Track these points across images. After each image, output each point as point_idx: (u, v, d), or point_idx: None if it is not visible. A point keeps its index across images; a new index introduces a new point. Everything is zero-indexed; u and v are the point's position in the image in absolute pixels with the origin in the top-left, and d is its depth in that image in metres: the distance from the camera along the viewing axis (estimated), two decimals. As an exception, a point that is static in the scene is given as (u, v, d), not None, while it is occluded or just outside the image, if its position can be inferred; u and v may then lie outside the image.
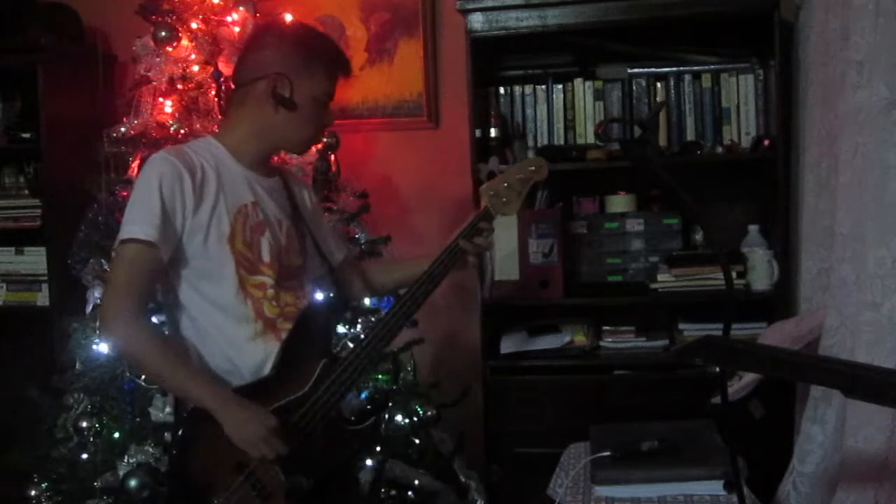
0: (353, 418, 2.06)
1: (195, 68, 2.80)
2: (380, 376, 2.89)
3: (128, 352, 1.94)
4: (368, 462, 2.75)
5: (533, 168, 2.26)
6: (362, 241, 3.03)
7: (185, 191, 1.89)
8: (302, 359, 1.98)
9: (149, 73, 2.79)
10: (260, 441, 1.86)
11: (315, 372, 1.96)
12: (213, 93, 2.79)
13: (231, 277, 1.94)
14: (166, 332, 2.02)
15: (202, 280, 1.94)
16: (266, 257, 1.99)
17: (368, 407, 2.11)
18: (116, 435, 2.64)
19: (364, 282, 2.32)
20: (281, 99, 1.98)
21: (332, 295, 2.19)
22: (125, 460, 2.57)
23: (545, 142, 3.24)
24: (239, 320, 1.95)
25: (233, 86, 2.09)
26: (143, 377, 2.59)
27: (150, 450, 2.57)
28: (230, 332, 1.95)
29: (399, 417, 2.91)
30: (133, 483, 2.46)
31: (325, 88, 2.05)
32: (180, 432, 1.96)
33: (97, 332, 2.26)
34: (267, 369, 1.96)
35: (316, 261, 2.16)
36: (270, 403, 1.91)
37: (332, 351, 2.03)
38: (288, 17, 3.06)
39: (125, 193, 2.65)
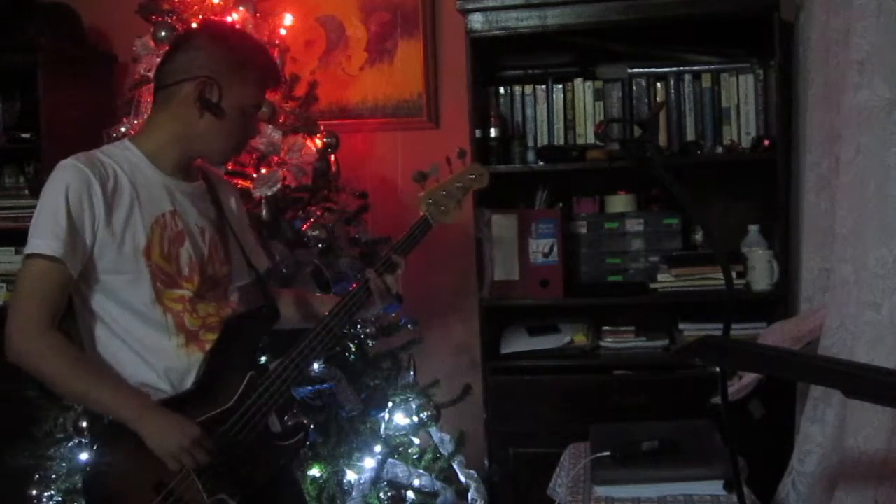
0: (281, 433, 1.97)
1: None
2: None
3: (38, 370, 1.77)
4: (368, 462, 2.76)
5: (472, 176, 2.22)
6: (362, 241, 3.03)
7: (94, 201, 1.78)
8: (227, 371, 1.89)
9: (149, 73, 2.78)
10: (182, 451, 1.75)
11: (241, 385, 1.88)
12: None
13: (147, 291, 1.84)
14: (83, 346, 1.89)
15: (118, 292, 1.84)
16: (186, 270, 1.89)
17: (303, 421, 1.99)
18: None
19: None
20: (208, 104, 1.86)
21: (261, 304, 2.04)
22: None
23: (545, 142, 3.24)
24: (159, 330, 1.86)
25: (156, 86, 1.94)
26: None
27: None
28: (151, 342, 1.85)
29: (399, 417, 2.92)
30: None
31: (255, 98, 1.94)
32: (95, 448, 1.82)
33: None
34: (189, 382, 1.87)
35: (243, 268, 2.05)
36: (193, 418, 1.80)
37: (258, 363, 1.93)
38: (288, 18, 3.07)
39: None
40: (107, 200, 1.80)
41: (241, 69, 1.90)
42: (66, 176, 1.79)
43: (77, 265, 1.79)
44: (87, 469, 1.86)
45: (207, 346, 1.90)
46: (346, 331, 1.98)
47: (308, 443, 2.06)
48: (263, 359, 2.21)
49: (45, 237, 1.76)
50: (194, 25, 2.81)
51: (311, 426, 2.06)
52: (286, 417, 2.00)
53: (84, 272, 1.81)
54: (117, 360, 1.85)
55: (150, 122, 1.96)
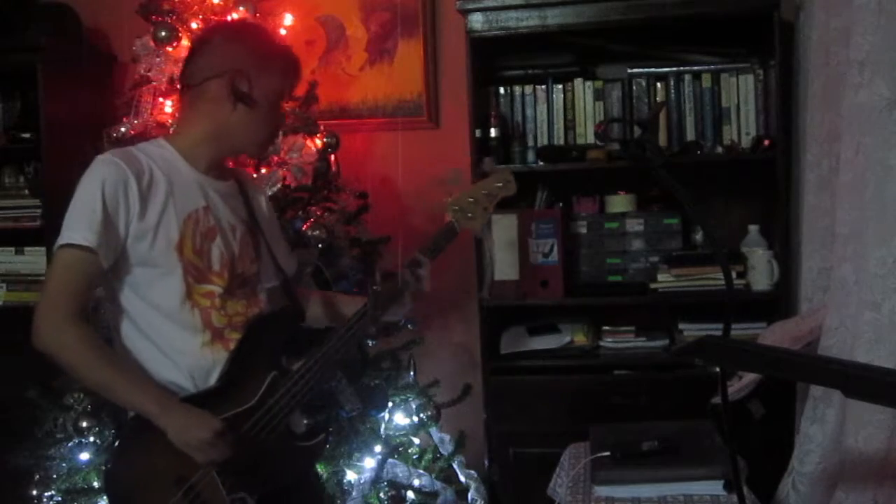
0: (303, 433, 1.96)
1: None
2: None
3: (63, 359, 1.80)
4: (368, 462, 2.75)
5: (500, 184, 2.21)
6: (362, 241, 3.03)
7: (129, 195, 1.81)
8: (250, 370, 1.91)
9: (149, 73, 2.79)
10: (204, 445, 1.77)
11: (263, 384, 1.90)
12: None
13: (178, 286, 1.86)
14: (111, 340, 1.91)
15: (147, 287, 1.86)
16: (216, 265, 1.91)
17: (321, 422, 2.00)
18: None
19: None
20: (240, 95, 1.90)
21: (286, 305, 2.07)
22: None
23: (545, 142, 3.24)
24: (185, 328, 1.87)
25: (183, 87, 1.99)
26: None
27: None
28: (176, 341, 1.87)
29: (399, 417, 2.91)
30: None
31: (281, 87, 1.99)
32: (117, 444, 1.85)
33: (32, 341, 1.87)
34: (213, 379, 1.89)
35: (271, 269, 2.07)
36: (215, 415, 1.82)
37: (282, 363, 1.95)
38: (288, 18, 3.07)
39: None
40: (142, 195, 1.83)
41: (266, 59, 1.95)
42: (104, 170, 1.82)
43: (110, 257, 1.81)
44: (109, 463, 1.87)
45: (232, 345, 1.91)
46: (370, 333, 2.00)
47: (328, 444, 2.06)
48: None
49: (79, 228, 1.78)
50: (194, 25, 2.81)
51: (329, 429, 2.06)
52: (303, 417, 1.98)
53: (115, 266, 1.83)
54: (142, 357, 1.88)
55: (182, 122, 2.02)
